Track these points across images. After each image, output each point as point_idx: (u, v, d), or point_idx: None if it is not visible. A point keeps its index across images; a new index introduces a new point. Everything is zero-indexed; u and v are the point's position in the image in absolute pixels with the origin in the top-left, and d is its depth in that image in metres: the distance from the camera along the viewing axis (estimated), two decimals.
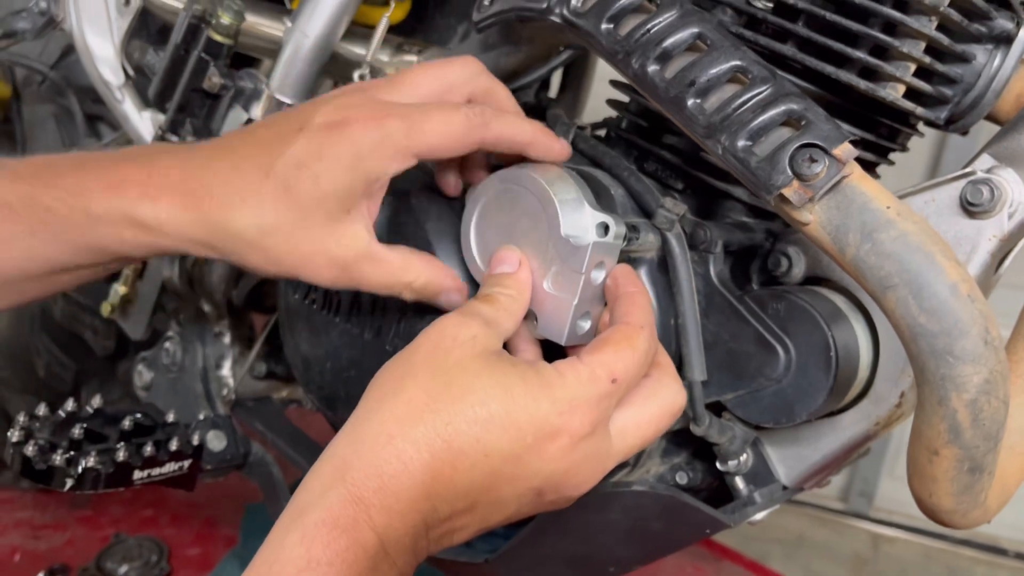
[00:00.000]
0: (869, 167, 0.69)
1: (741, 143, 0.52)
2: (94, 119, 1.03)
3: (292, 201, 0.53)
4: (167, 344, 0.84)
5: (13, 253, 0.57)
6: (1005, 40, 0.60)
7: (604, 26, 0.57)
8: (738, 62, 0.53)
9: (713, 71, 0.53)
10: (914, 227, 0.49)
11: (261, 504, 0.97)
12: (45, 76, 1.06)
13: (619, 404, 0.52)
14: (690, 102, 0.54)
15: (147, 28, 0.99)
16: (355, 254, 0.56)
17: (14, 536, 1.29)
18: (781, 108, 0.51)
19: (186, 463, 0.70)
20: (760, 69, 0.53)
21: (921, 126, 0.69)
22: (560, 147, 0.58)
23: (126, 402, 0.95)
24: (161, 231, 0.55)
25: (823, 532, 2.93)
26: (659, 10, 0.56)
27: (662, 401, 0.53)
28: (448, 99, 0.57)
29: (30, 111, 1.12)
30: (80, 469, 0.64)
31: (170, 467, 0.69)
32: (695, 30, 0.55)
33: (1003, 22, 0.60)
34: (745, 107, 0.52)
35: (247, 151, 0.55)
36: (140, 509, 1.40)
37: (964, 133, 0.68)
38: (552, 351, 0.57)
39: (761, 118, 0.51)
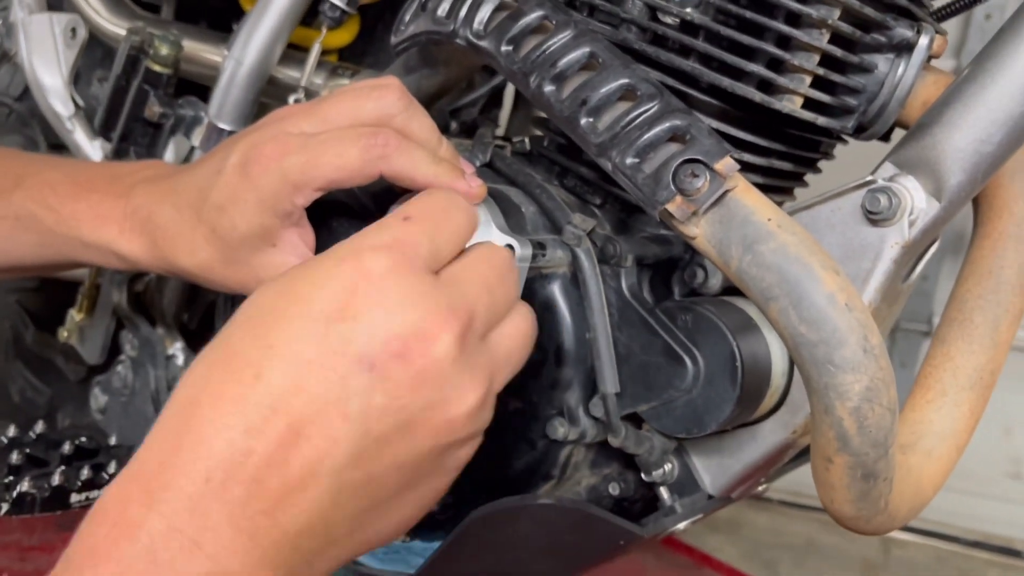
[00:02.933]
0: (792, 177, 0.70)
1: (629, 160, 0.53)
2: (57, 147, 1.05)
3: (219, 241, 0.58)
4: (119, 368, 0.85)
5: (23, 253, 0.67)
6: (906, 48, 0.61)
7: (504, 48, 0.59)
8: (627, 80, 0.54)
9: (603, 90, 0.54)
10: (793, 238, 0.49)
11: None
12: (11, 108, 1.09)
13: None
14: (583, 121, 0.55)
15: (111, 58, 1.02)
16: None
17: (2, 559, 1.32)
18: (666, 124, 0.52)
19: None
20: (648, 87, 0.54)
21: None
22: (464, 190, 0.56)
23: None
24: (137, 263, 0.63)
25: (833, 538, 2.90)
26: (555, 31, 0.57)
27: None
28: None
29: (0, 141, 1.15)
30: (15, 494, 0.65)
31: None
32: (587, 50, 0.56)
33: (902, 31, 0.60)
34: (633, 124, 0.53)
35: (186, 193, 0.60)
36: None
37: (885, 139, 0.69)
38: None
39: (647, 135, 0.52)
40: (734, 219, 0.50)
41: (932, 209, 0.57)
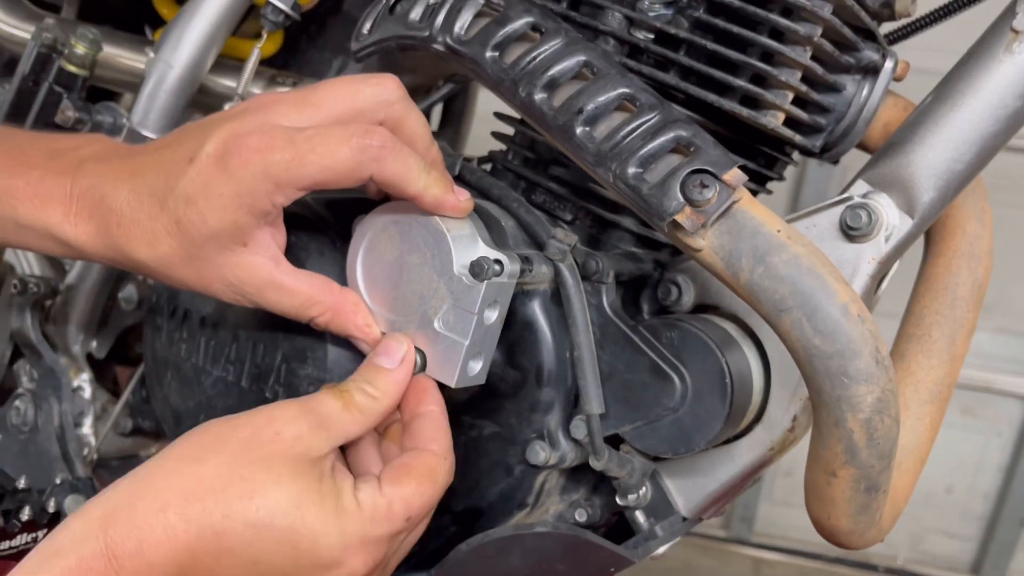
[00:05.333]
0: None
1: (632, 170, 0.51)
2: None
3: (184, 236, 0.53)
4: (16, 402, 0.76)
5: None
6: (872, 71, 0.63)
7: (489, 54, 0.56)
8: (626, 89, 0.53)
9: (601, 99, 0.53)
10: (804, 250, 0.49)
11: None
12: None
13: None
14: (579, 130, 0.53)
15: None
16: (256, 283, 0.54)
17: None
18: (670, 135, 0.51)
19: (40, 534, 0.63)
20: (648, 96, 0.52)
21: (795, 156, 0.71)
22: (453, 203, 0.54)
23: None
24: (82, 250, 0.56)
25: (708, 560, 2.98)
26: (544, 38, 0.55)
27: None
28: (354, 122, 0.53)
29: None
30: None
31: (22, 539, 0.62)
32: (582, 58, 0.54)
33: (870, 53, 0.62)
34: (634, 134, 0.51)
35: (148, 176, 0.53)
36: None
37: (835, 162, 0.71)
38: None
39: (650, 145, 0.51)
40: (743, 230, 0.50)
41: (905, 225, 0.59)
